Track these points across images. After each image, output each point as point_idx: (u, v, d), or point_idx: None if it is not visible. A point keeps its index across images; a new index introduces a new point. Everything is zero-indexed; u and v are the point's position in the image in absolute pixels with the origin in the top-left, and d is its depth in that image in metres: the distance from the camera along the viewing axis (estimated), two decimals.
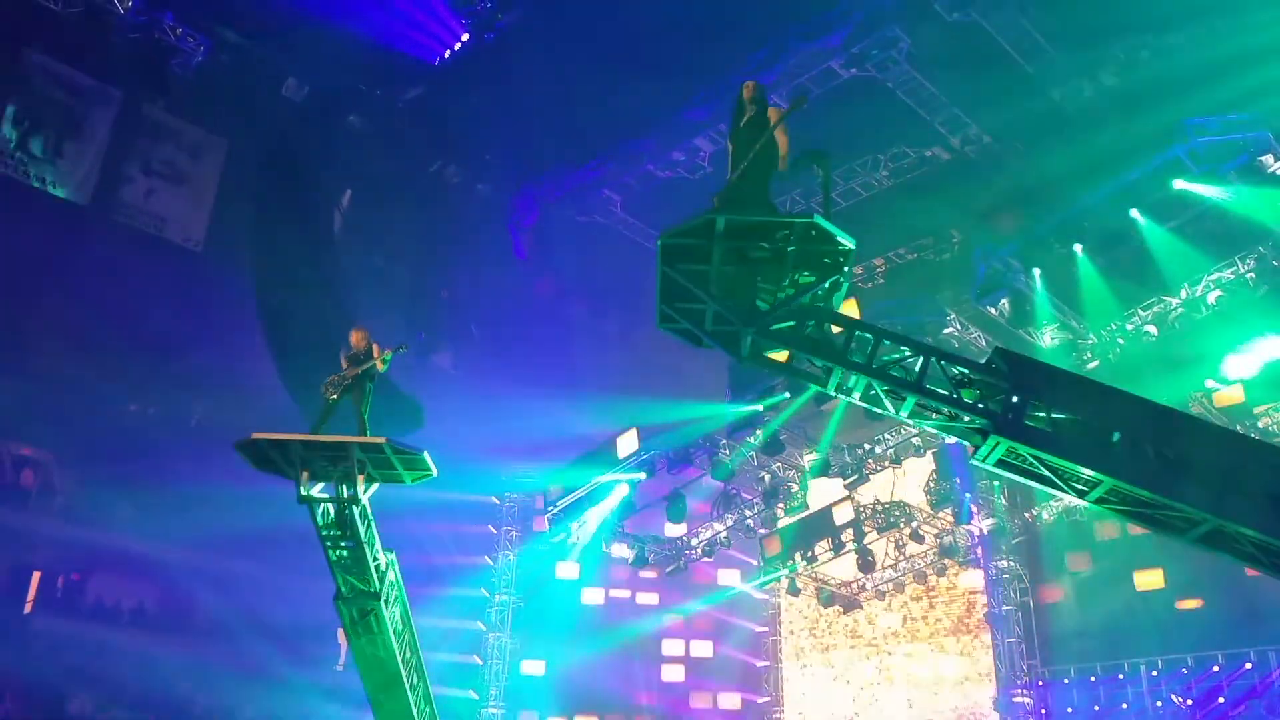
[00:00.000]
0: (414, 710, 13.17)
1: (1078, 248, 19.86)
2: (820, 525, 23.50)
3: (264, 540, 19.44)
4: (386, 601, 12.15)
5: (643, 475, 22.85)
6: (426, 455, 11.07)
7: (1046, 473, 7.78)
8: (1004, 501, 22.75)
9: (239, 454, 11.17)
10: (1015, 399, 7.69)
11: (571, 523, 24.56)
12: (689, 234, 7.77)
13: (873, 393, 8.25)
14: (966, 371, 8.02)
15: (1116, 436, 7.46)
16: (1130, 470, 7.42)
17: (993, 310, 20.32)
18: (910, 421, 8.47)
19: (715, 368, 23.21)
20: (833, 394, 8.56)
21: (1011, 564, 23.27)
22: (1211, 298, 19.07)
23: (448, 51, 21.91)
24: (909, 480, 24.35)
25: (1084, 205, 19.10)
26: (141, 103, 20.78)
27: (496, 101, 21.83)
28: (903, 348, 8.14)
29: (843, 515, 22.87)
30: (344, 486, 11.00)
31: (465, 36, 21.73)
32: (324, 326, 22.29)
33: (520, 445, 25.13)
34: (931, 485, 21.91)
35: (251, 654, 21.86)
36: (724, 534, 25.53)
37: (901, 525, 22.95)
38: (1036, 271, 20.24)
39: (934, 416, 8.20)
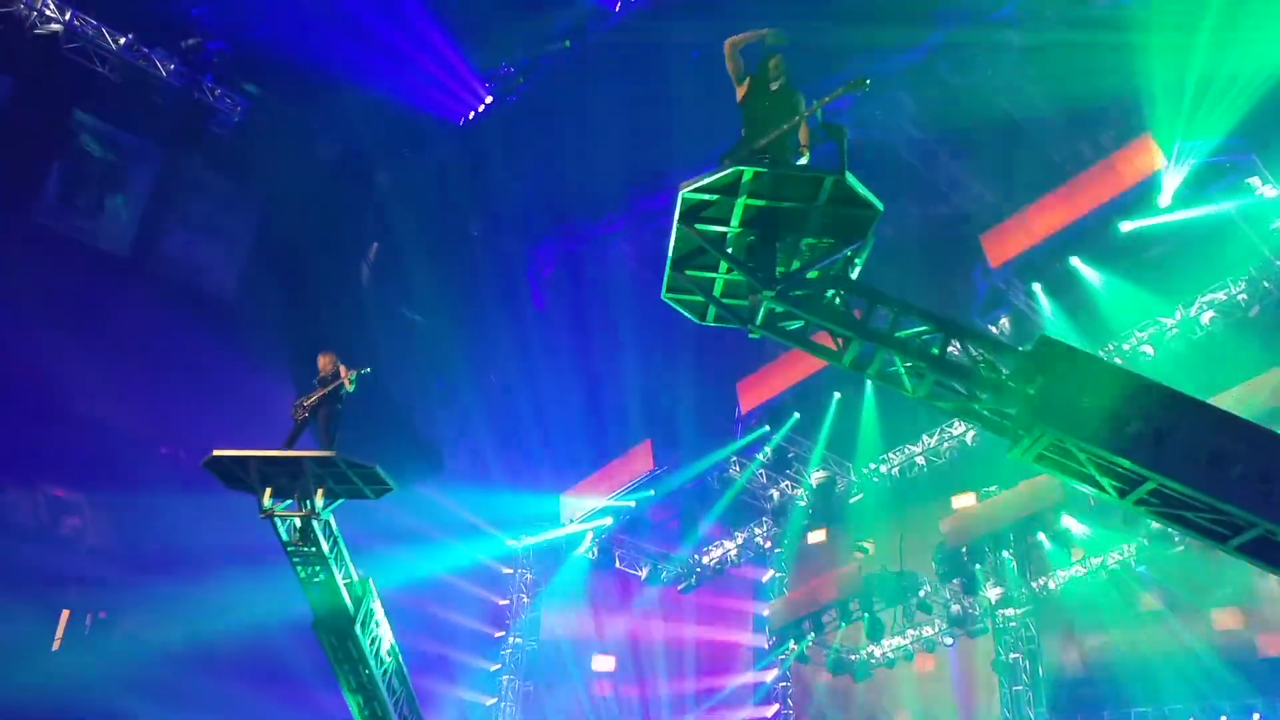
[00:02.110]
0: None
1: (1075, 260, 19.68)
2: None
3: (293, 581, 19.29)
4: (364, 626, 12.00)
5: (651, 492, 22.65)
6: (379, 469, 11.18)
7: (1091, 470, 7.25)
8: (1014, 569, 22.23)
9: (208, 471, 11.42)
10: (1062, 389, 7.11)
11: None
12: (712, 188, 7.24)
13: (891, 369, 7.73)
14: (992, 357, 7.52)
15: (1167, 435, 6.97)
16: (1179, 469, 6.93)
17: (994, 329, 20.05)
18: (932, 403, 7.83)
19: (725, 409, 23.05)
20: (846, 368, 8.00)
21: (1018, 612, 22.72)
22: (1206, 318, 18.58)
23: (472, 113, 22.14)
24: (919, 549, 23.85)
25: (1077, 225, 18.90)
26: (181, 159, 21.03)
27: (517, 159, 22.02)
28: (926, 324, 7.57)
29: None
30: (305, 501, 11.21)
31: (489, 99, 21.97)
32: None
33: (537, 485, 25.03)
34: (940, 554, 21.39)
35: (278, 693, 21.57)
36: (734, 552, 25.09)
37: (910, 596, 22.38)
38: (1036, 287, 20.03)
39: (970, 405, 7.62)
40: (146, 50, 19.12)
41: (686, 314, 8.33)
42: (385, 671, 12.56)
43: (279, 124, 21.11)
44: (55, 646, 21.78)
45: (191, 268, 21.58)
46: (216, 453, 11.16)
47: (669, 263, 7.75)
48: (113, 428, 20.52)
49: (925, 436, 22.87)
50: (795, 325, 8.03)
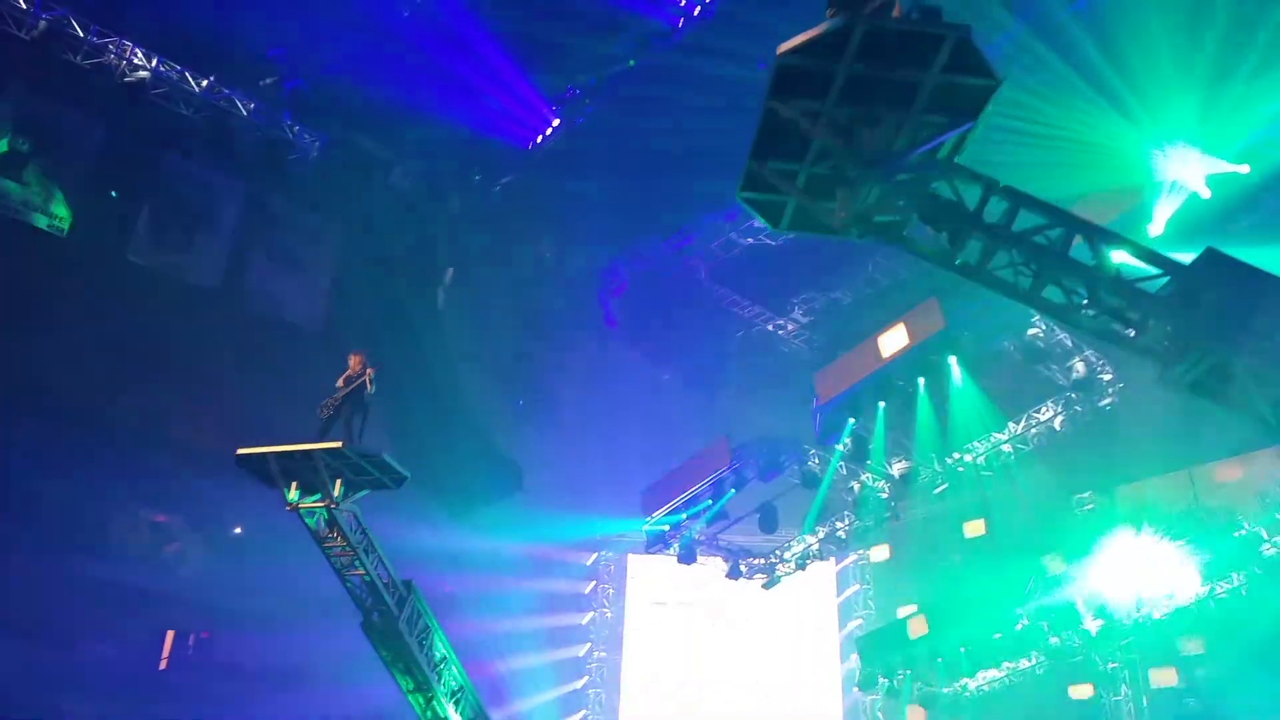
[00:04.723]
0: None
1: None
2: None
3: None
4: (410, 625, 12.04)
5: (731, 491, 21.66)
6: (387, 457, 11.37)
7: (1254, 399, 6.12)
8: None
9: (242, 469, 11.72)
10: (1233, 307, 6.00)
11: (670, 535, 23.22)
12: (814, 51, 6.12)
13: (1000, 270, 6.66)
14: (1133, 263, 6.40)
15: None
16: None
17: None
18: (1042, 308, 6.71)
19: (803, 414, 21.91)
20: (954, 268, 6.87)
21: (1122, 644, 21.02)
22: None
23: (540, 137, 21.68)
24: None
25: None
26: (263, 194, 21.01)
27: (586, 180, 21.50)
28: (1047, 218, 6.46)
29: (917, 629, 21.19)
30: (324, 492, 11.41)
31: (556, 122, 21.49)
32: (431, 397, 21.99)
33: (612, 502, 24.41)
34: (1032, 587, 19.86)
35: (370, 709, 21.27)
36: (815, 546, 23.87)
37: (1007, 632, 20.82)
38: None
39: (1085, 312, 6.45)
40: (228, 91, 19.10)
41: (761, 219, 7.45)
42: (440, 672, 12.52)
43: (355, 157, 20.97)
44: (162, 665, 21.93)
45: (276, 299, 21.51)
46: (240, 451, 11.49)
47: (750, 151, 6.83)
48: (207, 456, 20.48)
49: (1012, 424, 21.28)
50: (891, 220, 6.95)
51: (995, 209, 6.67)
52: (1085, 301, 6.66)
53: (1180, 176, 17.52)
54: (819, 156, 6.79)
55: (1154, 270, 6.58)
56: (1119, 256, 6.83)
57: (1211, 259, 6.33)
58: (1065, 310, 6.83)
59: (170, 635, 22.00)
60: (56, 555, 19.33)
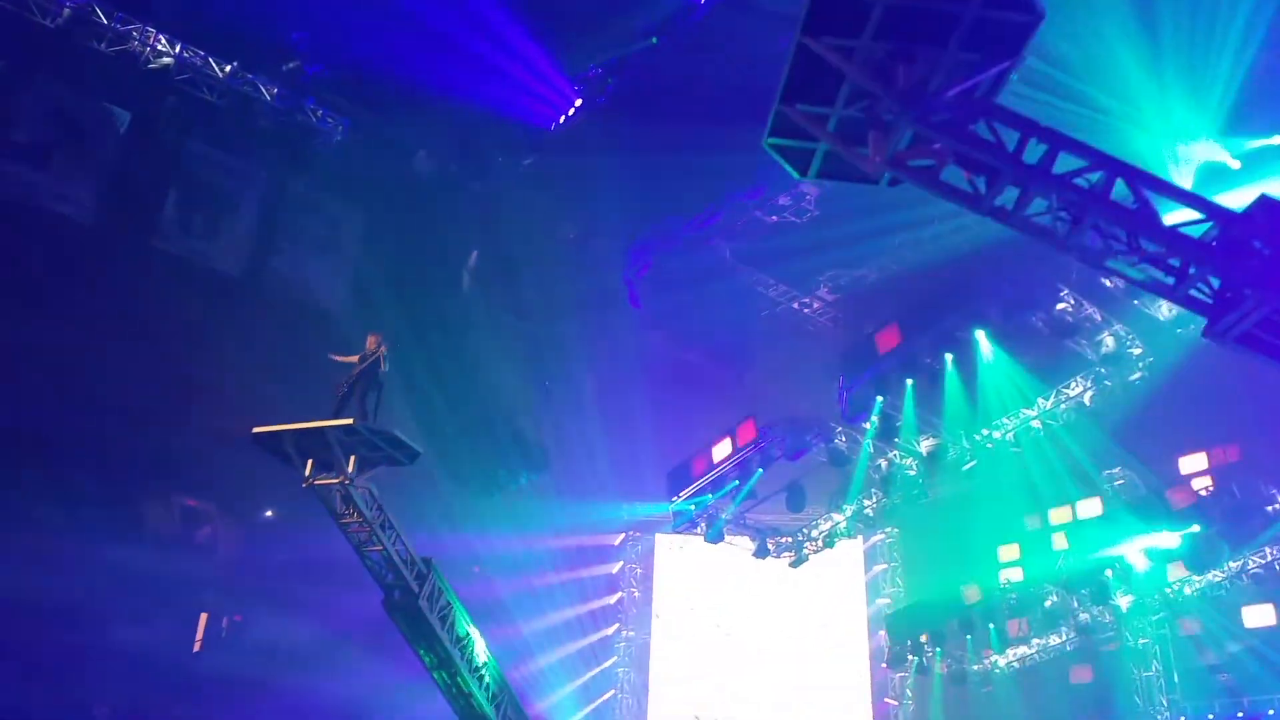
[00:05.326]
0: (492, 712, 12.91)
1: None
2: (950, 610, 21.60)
3: None
4: (431, 602, 12.05)
5: (759, 471, 21.49)
6: (398, 433, 11.48)
7: None
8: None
9: (259, 448, 11.94)
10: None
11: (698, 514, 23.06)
12: None
13: (1039, 216, 6.36)
14: (1178, 209, 6.13)
15: None
16: None
17: (1109, 283, 18.11)
18: (1081, 255, 6.41)
19: (830, 393, 21.73)
20: (989, 213, 6.59)
21: (1153, 619, 20.83)
22: None
23: (562, 117, 21.45)
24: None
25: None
26: (287, 179, 20.92)
27: (610, 160, 21.25)
28: (1088, 160, 6.12)
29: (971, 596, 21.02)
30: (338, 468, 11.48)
31: (579, 102, 21.27)
32: (456, 380, 21.94)
33: (639, 483, 24.30)
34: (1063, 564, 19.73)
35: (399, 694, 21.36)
36: (843, 524, 23.68)
37: (1036, 607, 20.68)
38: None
39: (1123, 259, 6.20)
40: (251, 77, 19.03)
41: (787, 166, 7.25)
42: (463, 649, 12.62)
43: (378, 141, 20.83)
44: (196, 648, 22.08)
45: (302, 283, 21.46)
46: (256, 430, 11.75)
47: (779, 95, 6.58)
48: (237, 440, 20.47)
49: (1041, 400, 20.91)
50: (925, 164, 6.67)
51: (1033, 153, 6.41)
52: (1125, 248, 6.38)
53: (1207, 159, 17.16)
54: (851, 98, 6.53)
55: (1198, 217, 6.28)
56: (1167, 212, 6.58)
57: (1266, 206, 6.01)
58: (1103, 255, 6.55)
59: (204, 618, 22.14)
60: (90, 540, 19.43)
